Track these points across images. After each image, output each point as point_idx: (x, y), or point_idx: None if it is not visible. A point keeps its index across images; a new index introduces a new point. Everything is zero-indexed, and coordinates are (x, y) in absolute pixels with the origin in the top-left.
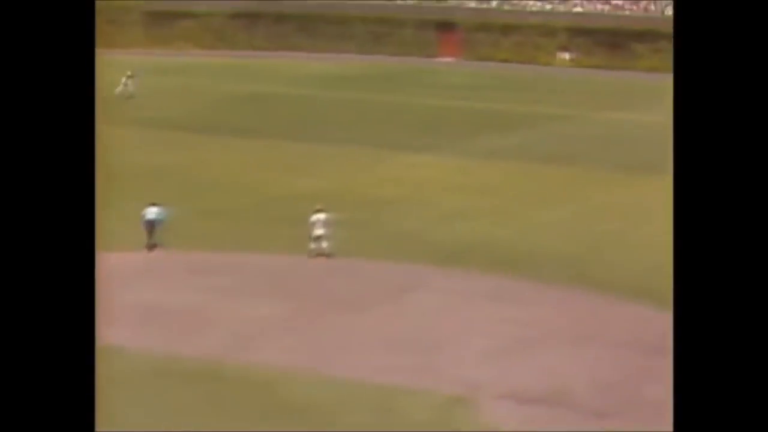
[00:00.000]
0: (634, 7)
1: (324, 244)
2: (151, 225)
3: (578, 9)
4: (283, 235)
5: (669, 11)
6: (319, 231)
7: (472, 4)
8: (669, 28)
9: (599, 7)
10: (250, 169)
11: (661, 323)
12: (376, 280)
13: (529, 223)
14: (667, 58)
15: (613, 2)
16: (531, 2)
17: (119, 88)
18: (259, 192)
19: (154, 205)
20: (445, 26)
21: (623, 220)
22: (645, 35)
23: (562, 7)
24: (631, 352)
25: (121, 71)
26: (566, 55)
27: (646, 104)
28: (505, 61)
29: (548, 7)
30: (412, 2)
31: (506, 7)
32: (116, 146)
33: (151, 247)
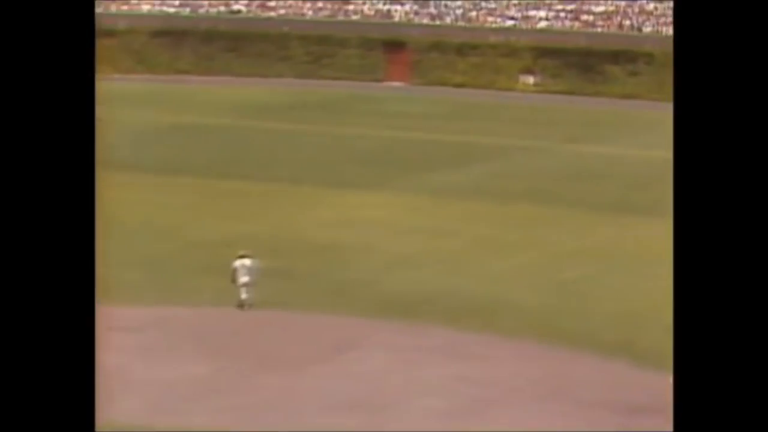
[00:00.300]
0: (608, 24)
1: (244, 295)
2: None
3: (542, 25)
4: (208, 286)
5: (647, 28)
6: (243, 278)
7: (424, 21)
8: (648, 47)
9: (567, 23)
10: (173, 210)
11: (639, 381)
12: (314, 336)
13: (488, 271)
14: (647, 82)
15: (583, 18)
16: (490, 18)
17: None
18: (182, 237)
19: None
20: (394, 46)
21: (595, 266)
22: (620, 56)
23: (525, 24)
24: (605, 413)
25: None
26: (530, 79)
27: (621, 136)
28: (461, 85)
29: (509, 23)
30: (356, 18)
31: (462, 24)
32: None
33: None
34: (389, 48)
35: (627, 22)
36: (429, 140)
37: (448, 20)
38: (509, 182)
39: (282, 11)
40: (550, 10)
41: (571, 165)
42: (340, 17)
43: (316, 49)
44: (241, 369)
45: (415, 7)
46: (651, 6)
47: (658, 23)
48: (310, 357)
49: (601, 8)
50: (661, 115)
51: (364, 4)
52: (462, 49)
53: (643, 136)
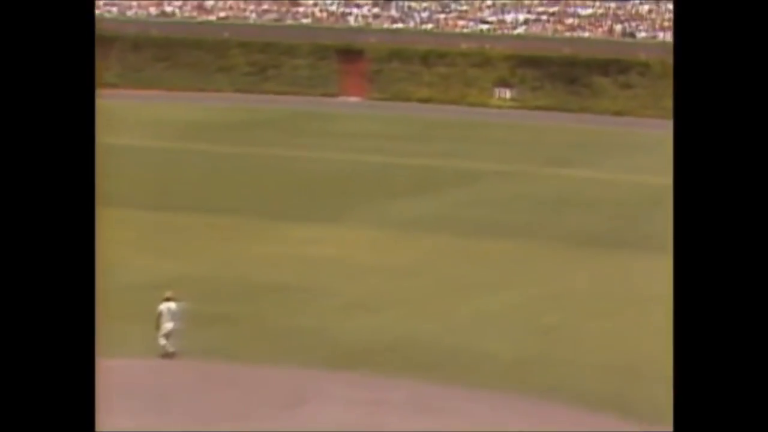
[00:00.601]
0: (596, 29)
1: (164, 341)
2: None
3: (521, 30)
4: (135, 335)
5: (641, 33)
6: (167, 325)
7: (385, 25)
8: (642, 55)
9: (549, 28)
10: (98, 248)
11: None
12: (259, 390)
13: (457, 315)
14: (641, 96)
15: (568, 22)
16: (461, 22)
17: None
18: (106, 278)
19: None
20: (349, 54)
21: (578, 310)
22: (610, 66)
23: (501, 29)
24: None
25: None
26: (507, 93)
27: (611, 159)
28: (427, 100)
29: (483, 27)
30: (306, 22)
31: (428, 28)
32: None
33: None
34: (344, 57)
35: (618, 27)
36: (390, 164)
37: (411, 24)
38: (482, 213)
39: (221, 14)
40: (529, 12)
41: (553, 193)
42: (288, 21)
43: (260, 58)
44: (172, 428)
45: (375, 10)
46: (645, 8)
47: (653, 27)
48: (254, 414)
49: (588, 11)
50: (658, 134)
51: (315, 5)
52: (428, 58)
53: (637, 159)
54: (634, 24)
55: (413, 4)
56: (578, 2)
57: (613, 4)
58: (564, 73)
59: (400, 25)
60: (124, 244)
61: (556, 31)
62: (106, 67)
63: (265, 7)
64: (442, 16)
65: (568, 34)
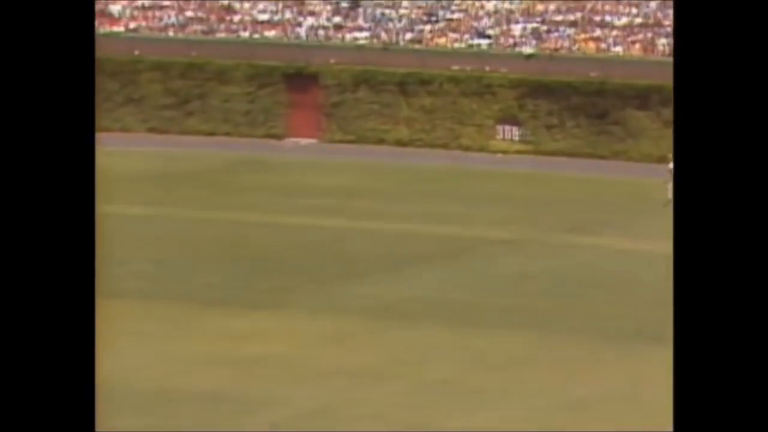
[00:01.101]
0: (632, 45)
1: None
2: None
3: (530, 48)
4: None
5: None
6: None
7: (347, 39)
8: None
9: (568, 42)
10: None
11: None
12: None
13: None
14: None
15: (596, 34)
16: (452, 35)
17: None
18: None
19: None
20: (302, 80)
21: (607, 423)
22: (651, 95)
23: (505, 45)
24: None
25: None
26: (514, 132)
27: (648, 222)
28: (406, 143)
29: (481, 43)
30: (243, 37)
31: (407, 44)
32: None
33: None
34: (294, 83)
35: (662, 42)
36: (354, 231)
37: (384, 38)
38: (476, 297)
39: (131, 24)
40: (543, 22)
41: (573, 269)
42: (220, 34)
43: (181, 85)
44: None
45: (336, 19)
46: None
47: None
48: None
49: (623, 20)
50: None
51: (253, 9)
52: (407, 85)
53: None
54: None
55: (387, 11)
56: (608, 7)
57: (654, 7)
58: (590, 106)
59: (368, 41)
60: None
61: (579, 48)
62: None
63: (189, 14)
64: (427, 27)
65: (595, 51)
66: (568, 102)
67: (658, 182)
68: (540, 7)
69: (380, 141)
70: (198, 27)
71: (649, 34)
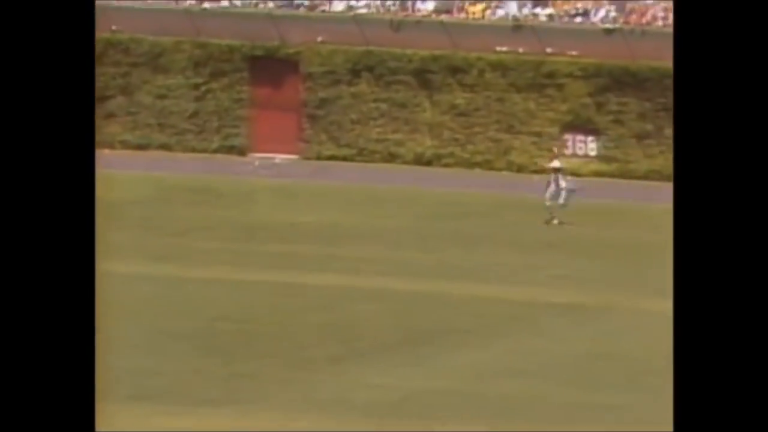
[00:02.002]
0: None
1: None
2: None
3: (609, 20)
4: None
5: None
6: None
7: (339, 8)
8: None
9: (657, 17)
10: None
11: None
12: None
13: None
14: None
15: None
16: (494, 1)
17: None
18: None
19: None
20: (274, 68)
21: None
22: None
23: (572, 20)
24: None
25: None
26: (589, 144)
27: None
28: (427, 162)
29: (539, 15)
30: (189, 3)
31: (427, 14)
32: None
33: None
34: (262, 72)
35: None
36: (349, 291)
37: (394, 5)
38: (530, 386)
39: None
40: None
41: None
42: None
43: (95, 74)
44: None
45: None
46: None
47: None
48: None
49: None
50: None
51: None
52: (428, 75)
53: None
54: None
55: None
56: None
57: None
58: None
59: (373, 9)
60: None
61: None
62: None
63: None
64: None
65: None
66: (667, 100)
67: None
68: None
69: (390, 157)
70: None
71: None
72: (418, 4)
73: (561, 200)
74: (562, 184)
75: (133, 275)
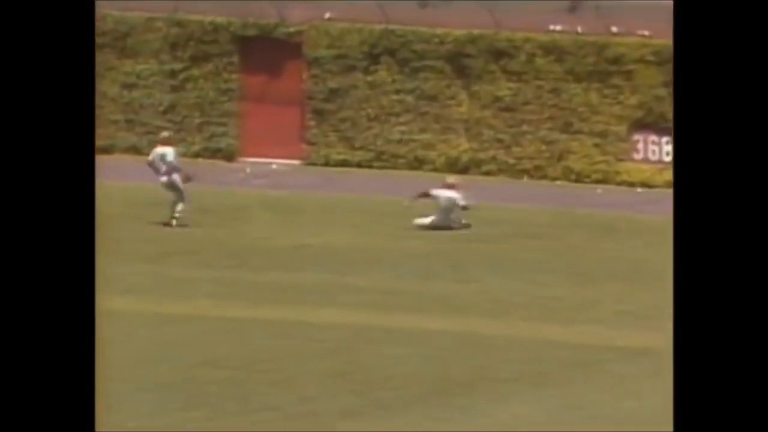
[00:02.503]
0: None
1: None
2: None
3: None
4: None
5: None
6: None
7: None
8: None
9: None
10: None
11: None
12: None
13: None
14: None
15: None
16: None
17: None
18: None
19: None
20: (270, 52)
21: None
22: None
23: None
24: None
25: None
26: (662, 148)
27: None
28: (463, 169)
29: None
30: None
31: None
32: None
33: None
34: (254, 57)
35: None
36: (369, 331)
37: None
38: None
39: None
40: None
41: None
42: None
43: None
44: None
45: None
46: None
47: None
48: None
49: None
50: None
51: None
52: (462, 60)
53: None
54: None
55: None
56: None
57: None
58: None
59: None
60: None
61: None
62: None
63: None
64: None
65: None
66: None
67: None
68: None
69: (417, 163)
70: None
71: None
72: None
73: None
74: None
75: (98, 312)
